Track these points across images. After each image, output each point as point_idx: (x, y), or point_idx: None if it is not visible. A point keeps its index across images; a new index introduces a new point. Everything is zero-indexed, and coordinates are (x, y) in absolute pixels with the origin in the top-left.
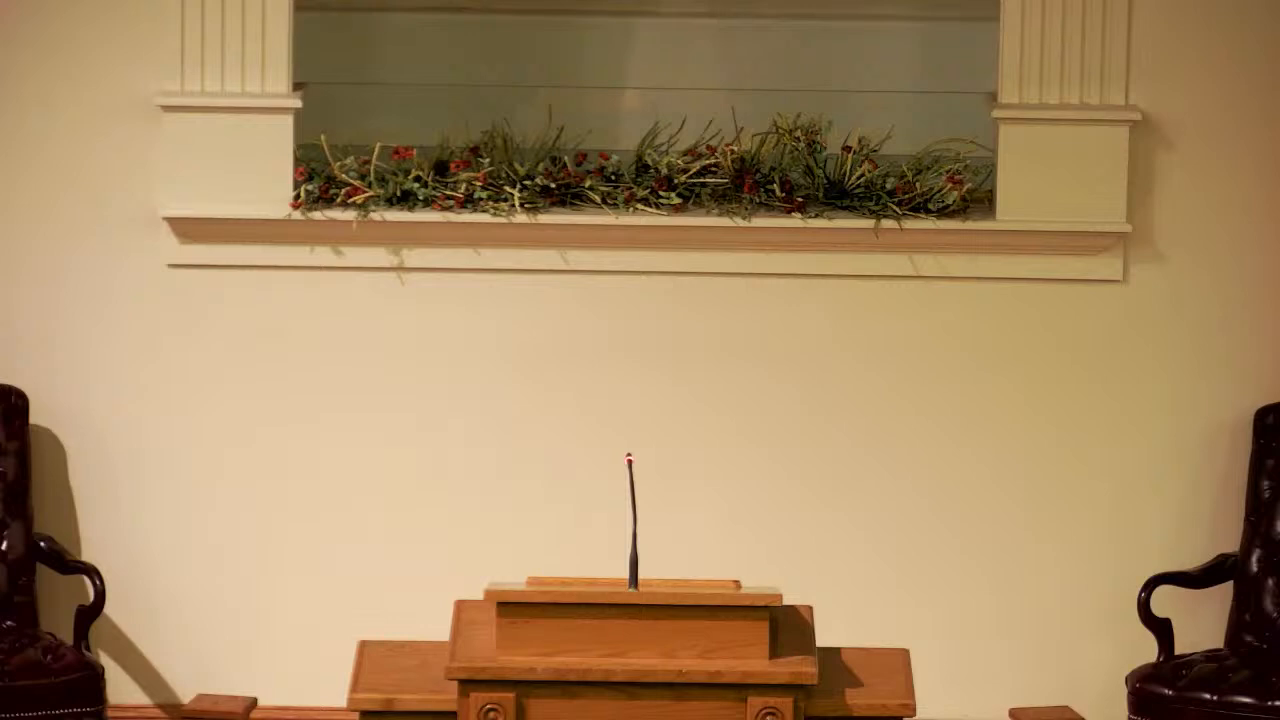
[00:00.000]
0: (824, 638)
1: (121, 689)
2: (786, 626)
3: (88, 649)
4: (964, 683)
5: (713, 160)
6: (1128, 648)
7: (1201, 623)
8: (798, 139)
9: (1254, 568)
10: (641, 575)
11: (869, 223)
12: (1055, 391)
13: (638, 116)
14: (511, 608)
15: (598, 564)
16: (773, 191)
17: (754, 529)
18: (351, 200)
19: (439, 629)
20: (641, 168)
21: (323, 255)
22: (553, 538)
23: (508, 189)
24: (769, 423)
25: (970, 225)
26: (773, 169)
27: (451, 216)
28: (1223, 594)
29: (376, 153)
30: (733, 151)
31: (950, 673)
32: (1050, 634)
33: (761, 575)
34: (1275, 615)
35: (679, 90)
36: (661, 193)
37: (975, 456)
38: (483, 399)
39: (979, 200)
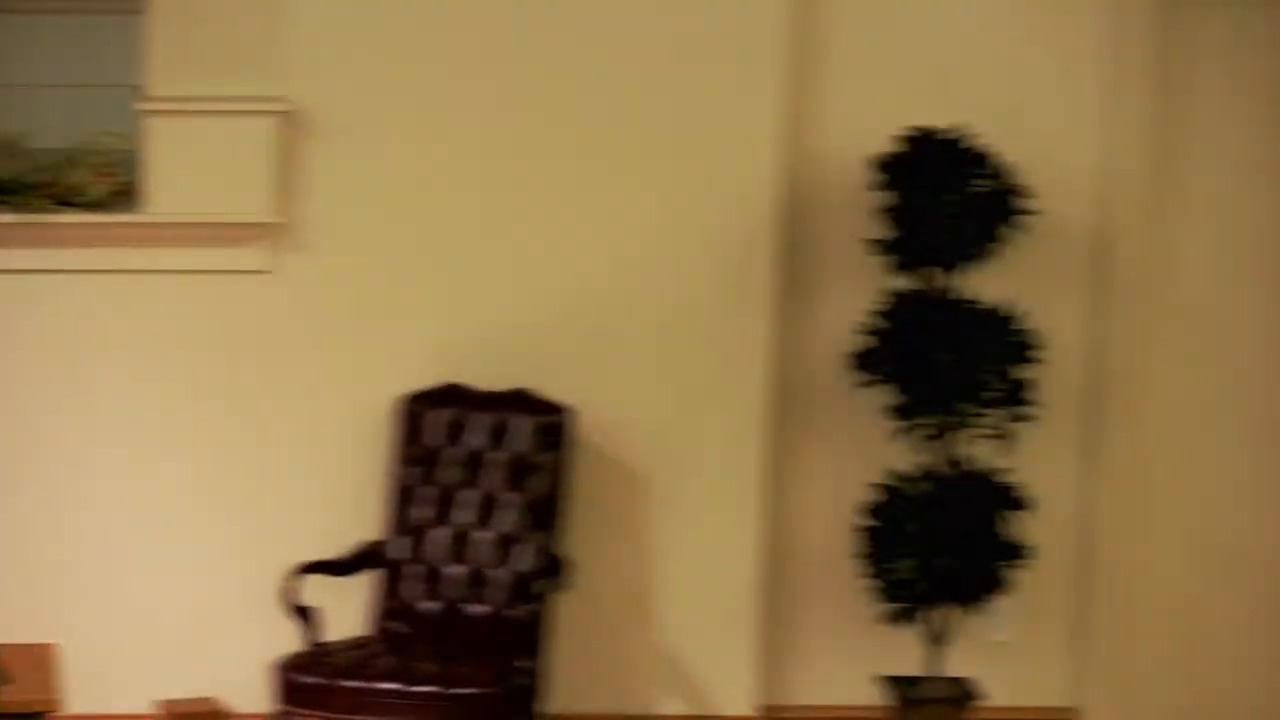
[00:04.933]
0: None
1: None
2: None
3: None
4: (114, 676)
5: None
6: (281, 636)
7: (354, 610)
8: None
9: (396, 554)
10: None
11: (26, 218)
12: (212, 385)
13: None
14: None
15: None
16: None
17: None
18: None
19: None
20: None
21: None
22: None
23: None
24: None
25: (118, 219)
26: None
27: None
28: (375, 581)
29: None
30: None
31: (102, 665)
32: (199, 624)
33: None
34: (416, 601)
35: None
36: None
37: (121, 459)
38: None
39: (131, 194)
